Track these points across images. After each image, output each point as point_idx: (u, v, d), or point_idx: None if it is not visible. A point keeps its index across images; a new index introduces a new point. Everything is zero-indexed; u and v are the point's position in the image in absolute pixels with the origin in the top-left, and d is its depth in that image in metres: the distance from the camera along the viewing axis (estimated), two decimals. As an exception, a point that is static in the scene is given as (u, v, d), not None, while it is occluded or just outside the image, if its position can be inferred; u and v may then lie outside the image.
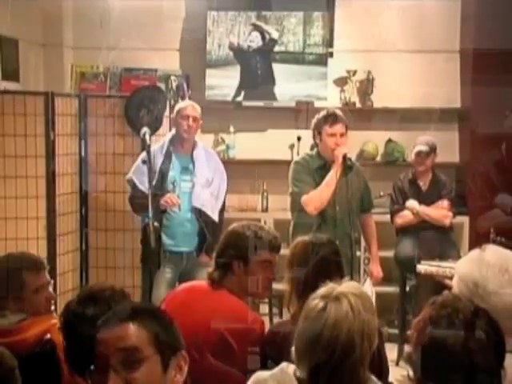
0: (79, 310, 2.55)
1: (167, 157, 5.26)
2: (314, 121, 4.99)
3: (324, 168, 4.88)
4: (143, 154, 5.20)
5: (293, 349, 2.26)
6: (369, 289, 4.87)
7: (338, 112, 5.03)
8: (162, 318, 2.08)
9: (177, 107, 5.41)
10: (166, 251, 5.20)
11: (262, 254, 3.35)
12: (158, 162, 5.23)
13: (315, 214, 4.85)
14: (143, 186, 5.09)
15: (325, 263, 3.22)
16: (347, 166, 4.91)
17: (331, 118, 4.88)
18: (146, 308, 2.16)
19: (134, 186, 5.23)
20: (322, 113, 4.99)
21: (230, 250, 3.35)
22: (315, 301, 2.24)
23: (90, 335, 2.32)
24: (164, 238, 5.16)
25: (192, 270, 5.24)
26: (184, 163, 5.31)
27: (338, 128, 4.85)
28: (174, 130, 5.37)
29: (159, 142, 5.41)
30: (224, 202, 5.51)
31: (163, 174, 5.20)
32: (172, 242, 5.24)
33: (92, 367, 1.99)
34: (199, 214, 5.25)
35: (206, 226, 5.26)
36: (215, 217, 5.32)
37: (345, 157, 4.80)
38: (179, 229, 5.25)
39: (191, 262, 5.26)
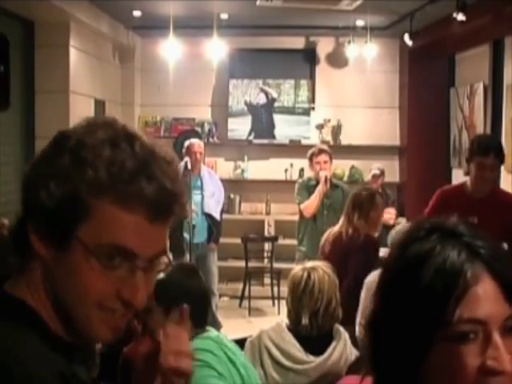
0: None
1: (185, 177, 4.80)
2: (308, 154, 4.79)
3: (316, 186, 4.67)
4: None
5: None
6: None
7: (323, 147, 4.88)
8: None
9: (186, 143, 5.08)
10: (187, 242, 4.94)
11: None
12: None
13: (309, 216, 4.67)
14: None
15: None
16: (334, 185, 4.76)
17: (317, 151, 4.72)
18: None
19: None
20: (313, 148, 4.82)
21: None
22: (299, 272, 2.29)
23: None
24: (185, 233, 4.93)
25: (205, 254, 5.11)
26: (195, 182, 5.03)
27: (322, 158, 4.66)
28: (187, 158, 4.90)
29: None
30: (222, 207, 5.29)
31: None
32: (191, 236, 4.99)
33: None
34: (208, 216, 5.07)
35: (212, 224, 5.09)
36: (218, 217, 5.15)
37: (326, 178, 4.61)
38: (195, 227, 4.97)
39: (204, 249, 5.10)
